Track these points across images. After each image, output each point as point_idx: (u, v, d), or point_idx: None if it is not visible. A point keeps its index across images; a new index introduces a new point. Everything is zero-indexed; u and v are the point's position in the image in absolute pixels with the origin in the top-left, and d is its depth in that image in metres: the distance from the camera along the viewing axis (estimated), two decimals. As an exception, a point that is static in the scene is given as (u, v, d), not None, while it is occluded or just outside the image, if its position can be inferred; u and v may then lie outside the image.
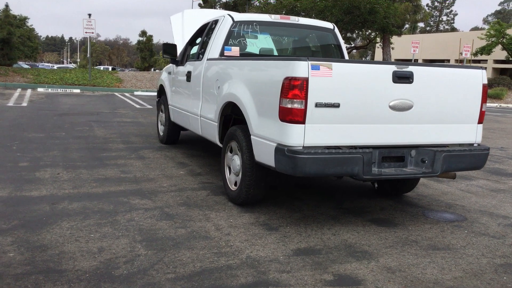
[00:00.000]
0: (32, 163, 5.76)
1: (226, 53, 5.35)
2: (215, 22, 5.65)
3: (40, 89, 18.56)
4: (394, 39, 30.48)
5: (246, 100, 4.17)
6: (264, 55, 5.61)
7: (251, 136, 4.10)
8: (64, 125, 9.02)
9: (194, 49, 6.40)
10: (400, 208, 4.70)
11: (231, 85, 4.54)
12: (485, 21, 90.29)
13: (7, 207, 4.10)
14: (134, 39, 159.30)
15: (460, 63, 35.58)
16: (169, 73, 7.03)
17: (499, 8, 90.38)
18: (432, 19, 79.01)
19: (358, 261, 3.32)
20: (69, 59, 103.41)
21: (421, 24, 64.28)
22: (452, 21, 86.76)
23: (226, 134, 4.72)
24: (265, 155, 3.86)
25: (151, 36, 65.73)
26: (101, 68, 42.31)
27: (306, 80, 3.47)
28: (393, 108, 3.77)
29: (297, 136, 3.55)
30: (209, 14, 7.52)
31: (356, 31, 29.79)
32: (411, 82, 3.79)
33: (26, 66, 34.44)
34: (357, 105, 3.67)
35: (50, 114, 10.72)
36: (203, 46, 5.78)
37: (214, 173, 5.75)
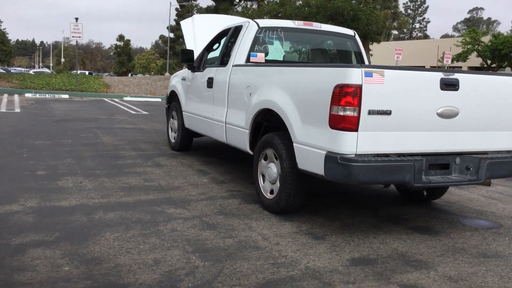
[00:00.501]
0: (50, 172, 5.59)
1: (252, 59, 5.31)
2: (238, 28, 5.59)
3: (27, 95, 18.15)
4: (372, 46, 30.81)
5: (287, 107, 4.11)
6: (290, 61, 5.58)
7: (294, 144, 4.03)
8: (67, 132, 8.81)
9: (213, 55, 6.34)
10: (434, 215, 4.70)
11: (267, 92, 4.47)
12: (455, 28, 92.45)
13: (42, 218, 3.95)
14: (107, 43, 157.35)
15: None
16: (183, 79, 6.92)
17: (468, 16, 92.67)
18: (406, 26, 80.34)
19: (417, 271, 3.28)
20: (41, 64, 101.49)
21: (394, 31, 65.17)
22: (424, 29, 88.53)
23: (259, 141, 4.65)
24: (311, 163, 3.81)
25: (128, 40, 64.90)
26: (78, 73, 41.64)
27: (359, 88, 3.43)
28: (441, 115, 3.76)
29: (350, 144, 3.51)
30: (220, 19, 7.49)
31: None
32: (457, 90, 3.79)
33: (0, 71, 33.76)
34: (407, 112, 3.65)
35: (48, 121, 10.47)
36: (226, 52, 5.71)
37: (237, 180, 5.66)
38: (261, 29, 5.39)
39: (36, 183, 5.04)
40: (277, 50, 5.57)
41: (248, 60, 5.32)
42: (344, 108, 3.49)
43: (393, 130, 3.63)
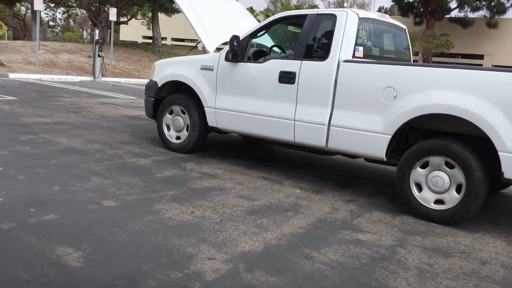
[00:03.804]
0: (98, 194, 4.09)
1: (357, 54, 4.84)
2: (328, 17, 4.96)
3: None
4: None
5: (488, 113, 3.91)
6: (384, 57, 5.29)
7: (500, 153, 3.89)
8: (17, 136, 6.42)
9: (262, 43, 5.51)
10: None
11: (439, 95, 4.14)
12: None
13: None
14: None
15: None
16: (205, 68, 5.78)
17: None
18: None
19: None
20: None
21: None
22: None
23: (418, 149, 4.31)
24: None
25: None
26: None
27: None
28: None
29: None
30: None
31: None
32: None
33: None
34: None
35: None
36: (312, 44, 5.03)
37: (334, 188, 5.12)
38: (361, 20, 4.92)
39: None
40: (368, 43, 5.14)
41: (354, 55, 4.82)
42: None
43: None
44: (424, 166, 4.33)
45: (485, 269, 3.33)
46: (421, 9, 36.22)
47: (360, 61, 4.74)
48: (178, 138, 6.16)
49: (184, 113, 6.04)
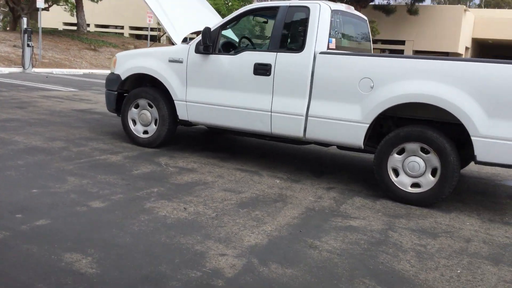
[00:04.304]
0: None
1: (330, 45, 4.99)
2: (301, 9, 5.05)
3: None
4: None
5: (464, 102, 4.19)
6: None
7: (473, 138, 4.19)
8: None
9: (231, 36, 5.50)
10: None
11: (417, 85, 4.36)
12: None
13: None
14: None
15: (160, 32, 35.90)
16: (174, 61, 5.67)
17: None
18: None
19: None
20: None
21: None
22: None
23: (395, 136, 4.53)
24: (499, 154, 4.10)
25: None
26: None
27: None
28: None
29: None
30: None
31: None
32: None
33: None
34: None
35: None
36: (286, 36, 5.11)
37: (310, 177, 5.26)
38: (332, 12, 5.05)
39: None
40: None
41: (328, 46, 4.96)
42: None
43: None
44: (400, 152, 4.56)
45: (471, 247, 3.61)
46: (344, -2, 37.39)
47: (336, 52, 4.87)
48: (145, 132, 6.02)
49: (151, 106, 5.91)
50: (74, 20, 34.98)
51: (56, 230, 3.31)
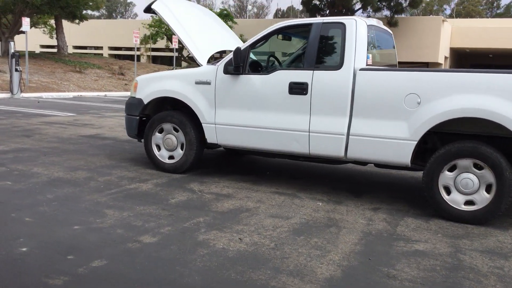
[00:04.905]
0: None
1: (368, 61, 4.87)
2: (337, 26, 4.92)
3: None
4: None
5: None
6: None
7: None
8: None
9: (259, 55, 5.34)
10: None
11: (467, 98, 4.23)
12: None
13: None
14: None
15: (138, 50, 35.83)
16: (200, 82, 5.47)
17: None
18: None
19: None
20: None
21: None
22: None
23: (446, 153, 4.39)
24: None
25: None
26: None
27: None
28: None
29: None
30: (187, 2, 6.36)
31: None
32: None
33: None
34: None
35: None
36: (322, 54, 4.96)
37: (350, 197, 5.07)
38: (368, 28, 4.94)
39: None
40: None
41: (366, 63, 4.83)
42: None
43: None
44: (451, 169, 4.42)
45: (548, 266, 3.46)
46: (328, 11, 37.71)
47: (378, 68, 4.75)
48: (171, 157, 5.78)
49: (177, 130, 5.68)
50: (52, 42, 34.32)
51: (117, 272, 3.05)
